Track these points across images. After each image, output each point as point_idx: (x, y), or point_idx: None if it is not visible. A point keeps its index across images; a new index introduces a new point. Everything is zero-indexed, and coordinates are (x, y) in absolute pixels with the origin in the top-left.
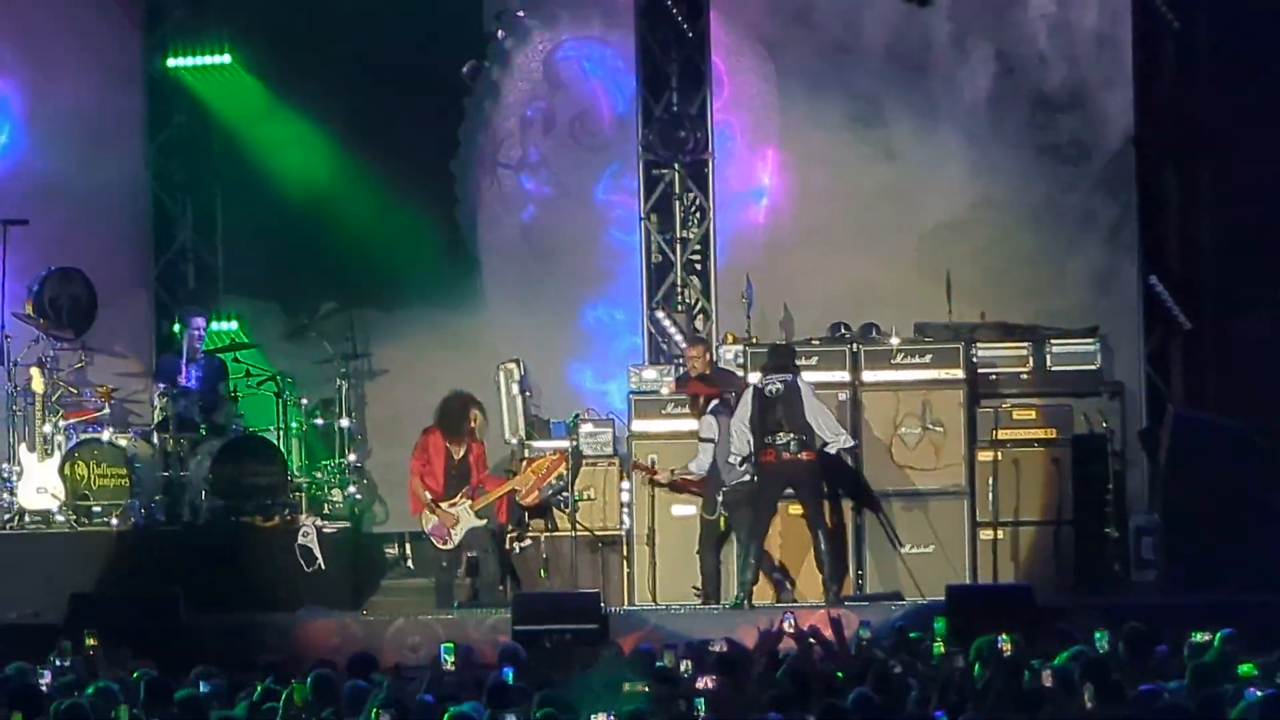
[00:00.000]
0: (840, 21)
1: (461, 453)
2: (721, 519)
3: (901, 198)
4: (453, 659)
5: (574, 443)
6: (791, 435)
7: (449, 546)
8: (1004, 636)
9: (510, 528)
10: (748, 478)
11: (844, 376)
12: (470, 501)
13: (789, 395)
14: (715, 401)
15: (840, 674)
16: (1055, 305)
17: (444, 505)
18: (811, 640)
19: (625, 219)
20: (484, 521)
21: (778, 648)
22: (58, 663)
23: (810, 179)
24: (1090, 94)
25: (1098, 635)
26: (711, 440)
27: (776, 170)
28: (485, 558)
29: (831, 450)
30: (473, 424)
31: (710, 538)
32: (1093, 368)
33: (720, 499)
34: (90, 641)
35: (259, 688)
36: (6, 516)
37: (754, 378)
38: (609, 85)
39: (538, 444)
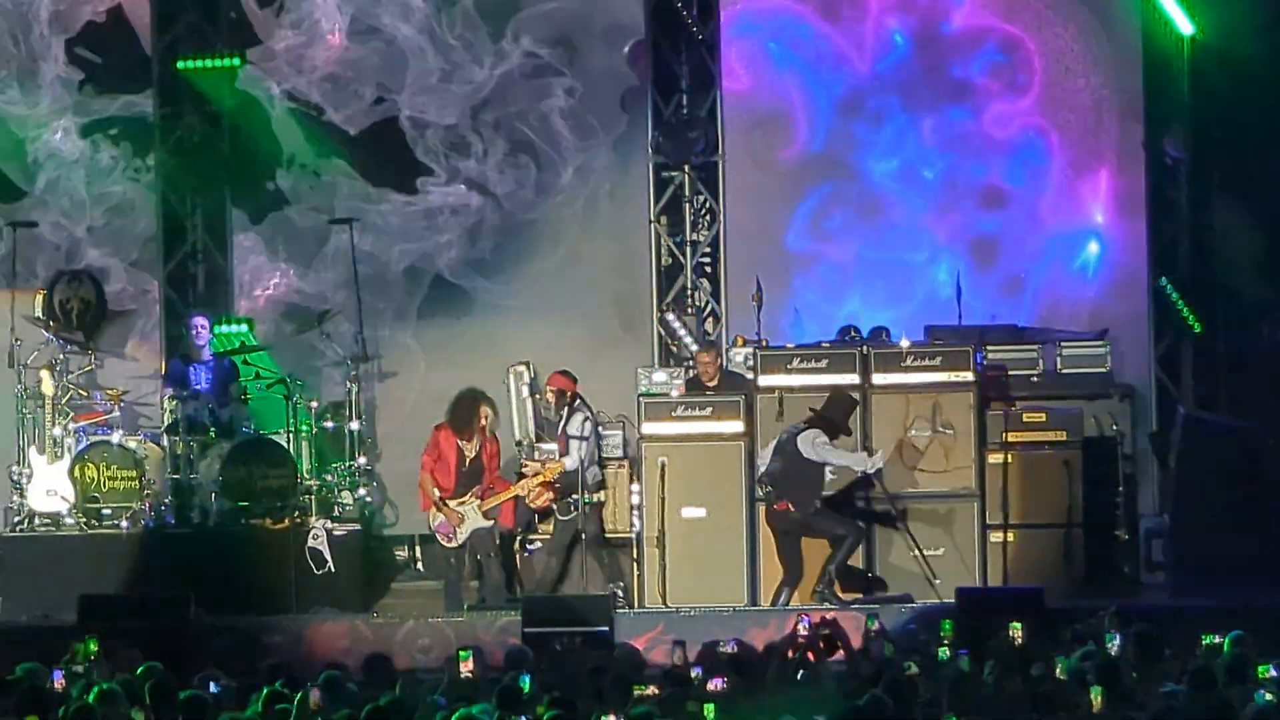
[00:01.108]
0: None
1: (474, 450)
2: (578, 519)
3: (911, 198)
4: (471, 664)
5: None
6: (770, 489)
7: (453, 544)
8: (1014, 624)
9: (518, 530)
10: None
11: (854, 379)
12: (479, 501)
13: (787, 447)
14: (579, 399)
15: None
16: (1065, 308)
17: (451, 503)
18: (826, 634)
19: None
20: (490, 523)
21: (791, 649)
22: (69, 665)
23: (823, 181)
24: (1101, 95)
25: (1109, 637)
26: (582, 438)
27: (788, 172)
28: (489, 561)
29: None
30: (483, 421)
31: (563, 541)
32: (1103, 370)
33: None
34: (92, 647)
35: (268, 690)
36: (17, 519)
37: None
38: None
39: (547, 446)
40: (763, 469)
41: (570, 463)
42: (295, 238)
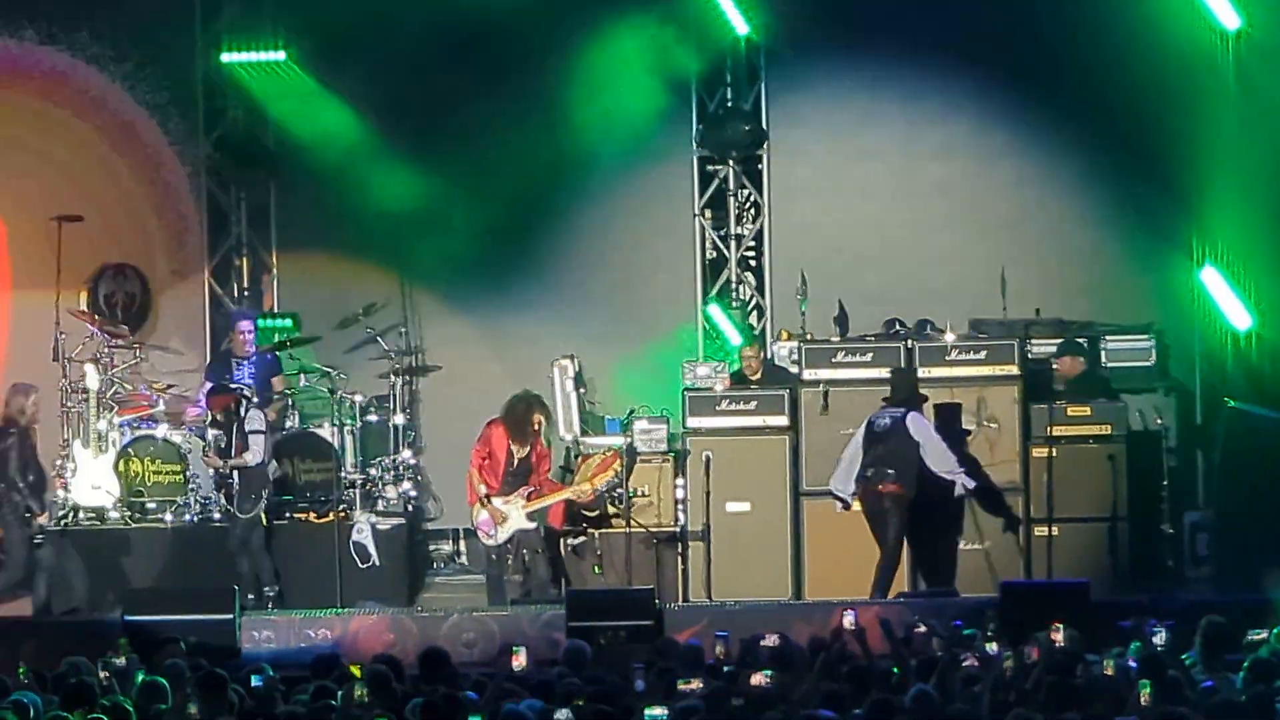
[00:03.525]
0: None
1: (524, 452)
2: (264, 517)
3: (957, 194)
4: (523, 658)
5: (628, 440)
6: (879, 469)
7: (493, 542)
8: (1057, 626)
9: (564, 527)
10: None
11: None
12: (524, 502)
13: (894, 431)
14: (246, 401)
15: (895, 669)
16: (1111, 301)
17: (495, 501)
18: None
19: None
20: (534, 525)
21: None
22: (113, 659)
23: (867, 174)
24: (1145, 90)
25: (1156, 631)
26: (263, 432)
27: (832, 166)
28: (536, 559)
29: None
30: (535, 426)
31: (241, 535)
32: (1148, 364)
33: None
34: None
35: (313, 685)
36: (61, 512)
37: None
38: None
39: (592, 440)
40: (858, 456)
41: (251, 457)
42: None
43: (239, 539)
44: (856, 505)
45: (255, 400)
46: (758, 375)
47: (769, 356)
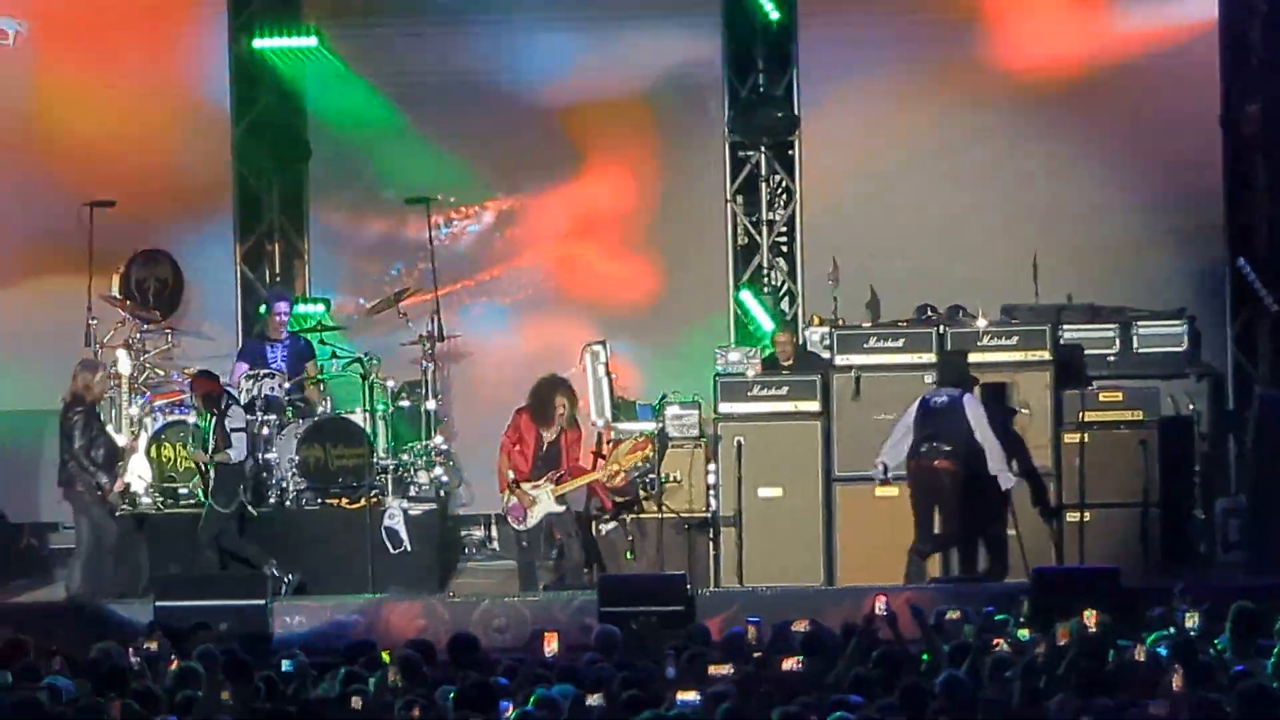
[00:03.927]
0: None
1: (552, 436)
2: (235, 509)
3: (990, 179)
4: (555, 644)
5: (660, 425)
6: (935, 445)
7: (523, 527)
8: (1089, 612)
9: (597, 511)
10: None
11: (930, 359)
12: (553, 486)
13: (951, 411)
14: (226, 395)
15: (926, 655)
16: (1142, 287)
17: (524, 486)
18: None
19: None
20: (563, 508)
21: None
22: (145, 645)
23: (899, 161)
24: (1178, 75)
25: (1188, 616)
26: (244, 430)
27: (864, 151)
28: (570, 542)
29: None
30: (559, 411)
31: (211, 530)
32: (1180, 350)
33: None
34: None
35: (344, 670)
36: None
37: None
38: None
39: (624, 426)
40: (909, 433)
41: (235, 454)
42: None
43: (211, 534)
44: (888, 489)
45: (239, 398)
46: (790, 361)
47: (801, 342)
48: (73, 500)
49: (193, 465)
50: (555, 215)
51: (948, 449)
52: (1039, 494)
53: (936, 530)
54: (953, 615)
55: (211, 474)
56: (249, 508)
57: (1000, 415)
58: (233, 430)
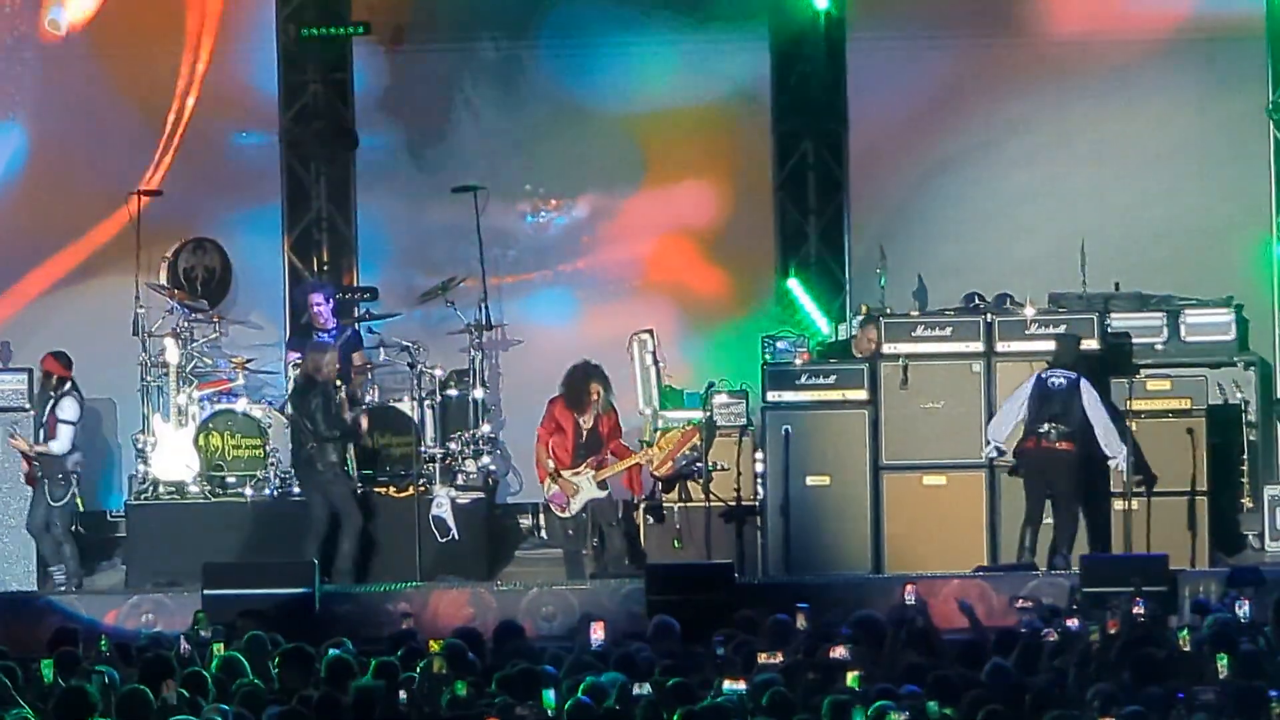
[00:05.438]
0: None
1: (590, 423)
2: (79, 500)
3: (1037, 167)
4: (602, 632)
5: (707, 414)
6: (1058, 426)
7: (566, 515)
8: (1137, 599)
9: (640, 499)
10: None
11: (978, 347)
12: (594, 472)
13: (1070, 392)
14: (70, 384)
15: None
16: (1190, 275)
17: (565, 474)
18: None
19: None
20: (605, 493)
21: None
22: (197, 632)
23: (946, 149)
24: (1225, 62)
25: (1236, 605)
26: (74, 424)
27: (911, 139)
28: (611, 530)
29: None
30: (593, 397)
31: (38, 518)
32: (1228, 338)
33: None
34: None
35: (391, 658)
36: (141, 486)
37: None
38: None
39: (671, 414)
40: (1023, 410)
41: (58, 446)
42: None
43: (42, 521)
44: (935, 478)
45: (78, 390)
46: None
47: (850, 332)
48: (311, 481)
49: (241, 454)
50: (616, 214)
51: (1069, 430)
52: (1145, 477)
53: (1047, 512)
54: (1028, 604)
55: (39, 465)
56: (79, 504)
57: (1105, 398)
58: (62, 421)
